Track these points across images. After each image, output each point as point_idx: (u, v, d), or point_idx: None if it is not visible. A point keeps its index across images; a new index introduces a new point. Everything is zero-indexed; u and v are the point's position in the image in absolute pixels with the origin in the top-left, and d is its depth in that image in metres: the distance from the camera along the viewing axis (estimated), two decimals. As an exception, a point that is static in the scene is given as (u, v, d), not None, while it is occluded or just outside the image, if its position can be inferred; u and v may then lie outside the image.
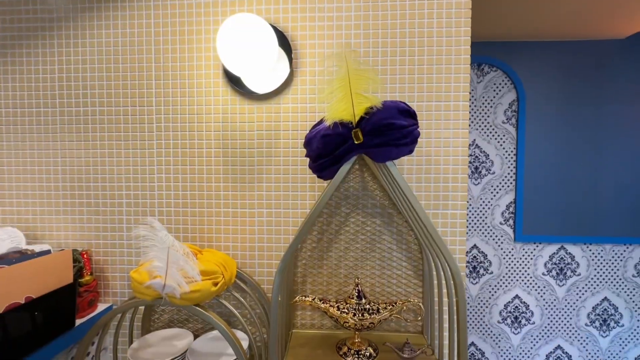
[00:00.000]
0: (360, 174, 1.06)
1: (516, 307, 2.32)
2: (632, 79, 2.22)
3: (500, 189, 2.33)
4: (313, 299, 0.94)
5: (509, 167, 2.33)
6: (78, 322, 1.00)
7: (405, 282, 1.06)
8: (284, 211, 1.08)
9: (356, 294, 0.94)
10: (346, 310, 0.91)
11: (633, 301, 2.30)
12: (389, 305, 0.93)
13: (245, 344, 0.97)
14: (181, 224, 1.10)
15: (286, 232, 1.08)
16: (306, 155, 0.83)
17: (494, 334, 2.35)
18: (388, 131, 0.66)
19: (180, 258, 0.73)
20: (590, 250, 2.27)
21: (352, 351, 0.92)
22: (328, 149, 0.71)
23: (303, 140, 0.98)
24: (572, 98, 2.26)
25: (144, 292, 0.77)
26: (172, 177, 1.10)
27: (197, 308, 0.78)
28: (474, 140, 2.34)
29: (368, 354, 0.92)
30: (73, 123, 1.12)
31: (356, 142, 0.68)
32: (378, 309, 0.92)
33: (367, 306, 0.92)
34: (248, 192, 1.09)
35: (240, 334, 1.03)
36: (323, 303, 0.94)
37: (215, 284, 0.82)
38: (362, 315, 0.90)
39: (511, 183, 2.33)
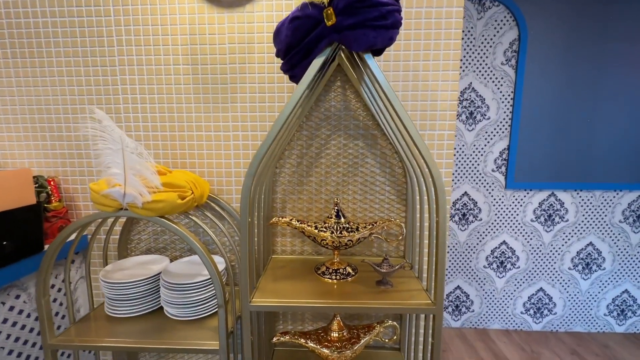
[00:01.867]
0: (342, 91, 0.98)
1: (502, 252, 2.36)
2: (641, 15, 2.06)
3: (494, 135, 2.25)
4: (291, 220, 0.89)
5: (504, 112, 2.24)
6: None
7: (388, 207, 1.02)
8: (261, 134, 1.01)
9: (335, 214, 0.90)
10: (324, 229, 0.87)
11: (617, 246, 2.34)
12: (369, 225, 0.89)
13: (221, 267, 0.94)
14: (152, 148, 1.03)
15: (264, 157, 1.02)
16: (276, 55, 0.74)
17: (480, 278, 2.41)
18: (364, 8, 0.57)
19: (137, 161, 0.66)
20: (580, 196, 2.25)
21: (331, 270, 0.90)
22: (297, 35, 0.62)
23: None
24: (576, 37, 2.11)
25: (103, 203, 0.71)
26: (139, 97, 1.01)
27: (162, 219, 0.73)
28: (470, 83, 2.22)
29: (346, 272, 0.90)
30: (27, 47, 1.00)
31: (328, 24, 0.59)
32: (357, 228, 0.88)
33: (346, 225, 0.88)
34: (222, 113, 1.00)
35: (217, 259, 1.00)
36: (301, 223, 0.90)
37: (182, 198, 0.76)
38: (341, 233, 0.86)
39: (506, 129, 2.25)
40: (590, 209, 2.26)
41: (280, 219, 0.88)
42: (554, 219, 2.29)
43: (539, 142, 2.22)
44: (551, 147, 2.21)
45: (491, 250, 2.36)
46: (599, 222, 2.29)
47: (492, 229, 2.33)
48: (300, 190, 1.03)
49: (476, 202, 2.36)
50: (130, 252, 1.08)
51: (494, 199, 2.29)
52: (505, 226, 2.31)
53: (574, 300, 2.37)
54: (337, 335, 0.91)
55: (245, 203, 0.71)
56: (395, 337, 0.93)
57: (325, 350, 0.87)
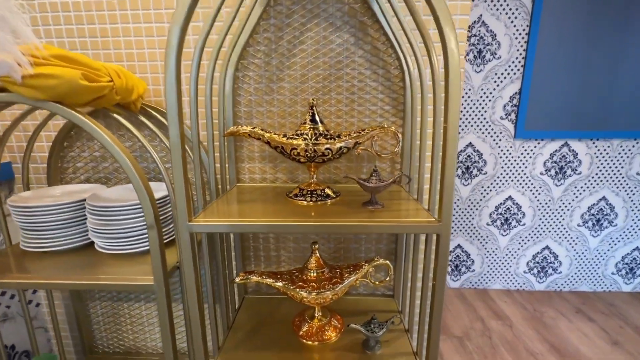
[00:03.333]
0: (321, -39, 0.73)
1: (508, 208, 2.18)
2: None
3: (504, 78, 2.00)
4: (253, 128, 0.68)
5: (517, 50, 1.97)
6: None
7: (381, 120, 0.81)
8: (218, 24, 0.77)
9: (310, 118, 0.68)
10: (295, 137, 0.67)
11: (631, 200, 2.16)
12: (355, 133, 0.68)
13: (161, 194, 0.73)
14: (64, 35, 0.79)
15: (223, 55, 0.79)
16: None
17: (482, 236, 2.25)
18: None
19: (4, 5, 0.44)
20: (596, 146, 2.04)
21: (305, 191, 0.70)
22: None
23: None
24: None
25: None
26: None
27: (60, 106, 0.52)
28: (480, 16, 1.94)
29: (325, 194, 0.70)
30: None
31: None
32: (339, 135, 0.68)
33: (325, 132, 0.68)
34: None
35: (159, 186, 0.80)
36: (267, 132, 0.69)
37: (90, 80, 0.55)
38: (317, 139, 0.66)
39: (518, 70, 1.99)
40: (606, 160, 2.05)
41: (240, 127, 0.67)
42: (565, 172, 2.08)
43: (554, 86, 1.97)
44: (568, 92, 1.97)
45: (495, 207, 2.18)
46: (615, 174, 2.09)
47: (497, 184, 2.14)
48: (270, 100, 0.81)
49: (481, 154, 2.15)
50: (64, 184, 0.88)
51: (501, 150, 2.08)
52: (512, 180, 2.12)
53: (581, 259, 2.22)
54: (315, 274, 0.73)
55: (172, 90, 0.49)
56: (387, 279, 0.74)
57: (300, 292, 0.69)
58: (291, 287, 0.70)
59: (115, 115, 0.63)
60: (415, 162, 0.74)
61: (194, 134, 0.62)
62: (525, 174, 2.10)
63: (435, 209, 0.57)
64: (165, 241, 0.71)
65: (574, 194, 2.11)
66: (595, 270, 2.23)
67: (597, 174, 2.07)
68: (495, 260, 2.26)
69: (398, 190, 0.76)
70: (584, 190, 2.10)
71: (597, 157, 2.05)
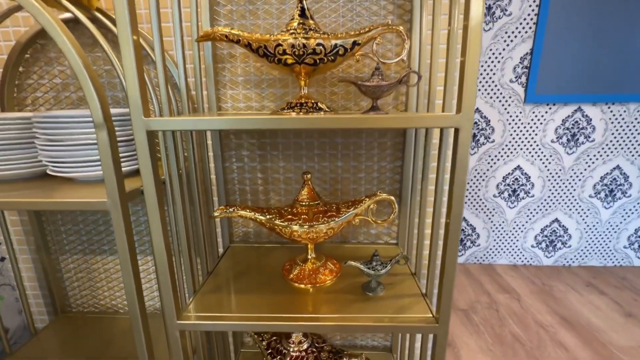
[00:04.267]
0: None
1: (516, 179, 2.07)
2: None
3: (515, 37, 1.87)
4: (232, 30, 0.57)
5: (530, 5, 1.83)
6: None
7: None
8: None
9: (298, 13, 0.57)
10: (282, 33, 0.55)
11: (647, 169, 2.05)
12: (353, 32, 0.57)
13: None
14: None
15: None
16: None
17: (488, 209, 2.15)
18: None
19: None
20: (611, 111, 1.91)
21: (294, 104, 0.59)
22: None
23: None
24: None
25: None
26: None
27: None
28: (490, -33, 1.80)
29: (317, 107, 0.59)
30: None
31: None
32: (334, 34, 0.56)
33: (316, 28, 0.56)
34: None
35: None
36: (247, 34, 0.57)
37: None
38: (307, 33, 0.54)
39: (530, 28, 1.85)
40: (621, 126, 1.93)
41: (216, 29, 0.55)
42: (578, 139, 1.96)
43: (569, 45, 1.83)
44: (582, 52, 1.83)
45: (503, 177, 2.07)
46: (630, 141, 1.97)
47: (505, 152, 2.02)
48: (254, 10, 0.69)
49: (489, 121, 2.02)
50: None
51: (510, 116, 1.96)
52: (521, 148, 2.00)
53: (592, 232, 2.11)
54: (307, 207, 0.62)
55: None
56: (392, 216, 0.64)
57: (290, 225, 0.58)
58: (279, 221, 0.59)
59: (66, 3, 0.52)
60: (425, 60, 0.62)
61: (157, 39, 0.50)
62: (535, 141, 1.98)
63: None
64: (130, 167, 0.61)
65: (586, 162, 1.99)
66: (606, 244, 2.13)
67: (611, 141, 1.95)
68: (501, 234, 2.16)
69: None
70: (596, 159, 1.99)
71: (612, 122, 1.92)
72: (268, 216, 0.60)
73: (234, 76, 0.72)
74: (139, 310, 0.53)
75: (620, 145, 1.95)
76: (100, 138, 0.44)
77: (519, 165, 2.03)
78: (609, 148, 1.96)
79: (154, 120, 0.43)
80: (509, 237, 2.16)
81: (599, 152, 1.97)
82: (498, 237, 2.17)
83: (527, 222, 2.13)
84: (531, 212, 2.11)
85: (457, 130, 0.43)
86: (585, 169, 2.00)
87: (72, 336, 0.81)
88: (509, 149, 2.01)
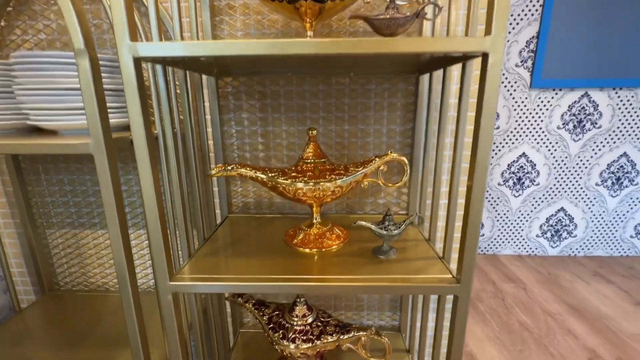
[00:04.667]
0: None
1: (521, 166, 2.02)
2: None
3: (521, 19, 1.82)
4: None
5: (536, -13, 1.79)
6: None
7: None
8: None
9: None
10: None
11: (655, 157, 2.01)
12: None
13: None
14: None
15: None
16: None
17: (493, 198, 2.10)
18: None
19: None
20: (618, 96, 1.87)
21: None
22: None
23: None
24: None
25: None
26: None
27: None
28: (496, -52, 1.76)
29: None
30: None
31: None
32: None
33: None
34: None
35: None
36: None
37: None
38: None
39: (536, 10, 1.81)
40: (628, 112, 1.88)
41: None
42: (584, 126, 1.92)
43: (576, 28, 1.79)
44: (590, 35, 1.79)
45: (508, 165, 2.02)
46: (638, 127, 1.93)
47: (510, 139, 1.98)
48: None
49: (494, 107, 1.98)
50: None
51: (516, 102, 1.91)
52: (527, 135, 1.96)
53: (598, 221, 2.07)
54: (312, 164, 0.57)
55: None
56: (405, 179, 0.59)
57: (294, 183, 0.53)
58: (282, 179, 0.54)
59: None
60: None
61: None
62: (541, 128, 1.94)
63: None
64: (120, 120, 0.56)
65: (593, 150, 1.95)
66: (612, 234, 2.09)
67: (618, 128, 1.91)
68: (506, 223, 2.12)
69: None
70: (603, 146, 1.94)
71: (619, 108, 1.88)
72: (270, 174, 0.55)
73: (233, 30, 0.67)
74: (130, 282, 0.48)
75: (627, 131, 1.91)
76: (81, 67, 0.39)
77: (524, 153, 1.98)
78: (616, 135, 1.92)
79: (142, 45, 0.38)
80: (514, 227, 2.12)
81: (605, 138, 1.93)
82: (503, 226, 2.12)
83: (532, 211, 2.08)
84: (536, 201, 2.06)
85: (485, 57, 0.38)
86: (591, 157, 1.96)
87: (58, 314, 0.75)
88: (514, 135, 1.96)
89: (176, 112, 0.54)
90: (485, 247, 2.20)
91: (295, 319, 0.63)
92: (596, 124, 1.91)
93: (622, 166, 1.97)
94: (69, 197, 0.78)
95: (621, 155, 1.95)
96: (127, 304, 0.49)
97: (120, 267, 0.47)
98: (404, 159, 0.57)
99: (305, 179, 0.54)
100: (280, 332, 0.62)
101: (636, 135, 1.91)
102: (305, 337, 0.61)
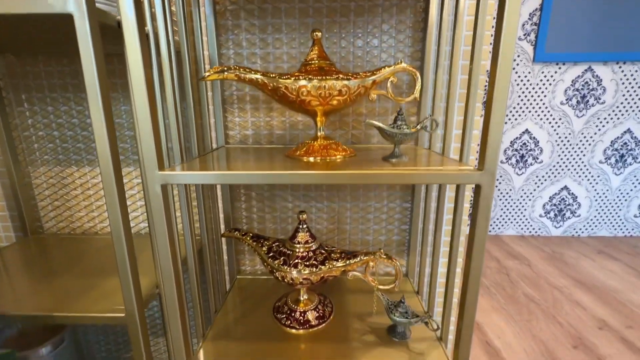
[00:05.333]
0: None
1: (524, 143, 1.99)
2: None
3: (524, -9, 1.81)
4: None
5: (539, -42, 1.77)
6: None
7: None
8: None
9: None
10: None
11: (659, 133, 1.98)
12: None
13: None
14: None
15: None
16: None
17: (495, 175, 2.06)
18: None
19: None
20: (622, 71, 1.85)
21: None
22: None
23: None
24: None
25: None
26: None
27: None
28: None
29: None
30: None
31: None
32: None
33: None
34: None
35: None
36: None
37: None
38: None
39: (539, -18, 1.79)
40: (632, 87, 1.86)
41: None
42: (588, 101, 1.90)
43: (579, 1, 1.76)
44: (594, 7, 1.76)
45: (510, 142, 1.99)
46: (642, 103, 1.91)
47: (513, 115, 1.95)
48: None
49: (496, 81, 1.95)
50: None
51: (519, 77, 1.88)
52: (530, 111, 1.93)
53: (602, 200, 2.04)
54: (316, 64, 0.52)
55: None
56: (417, 93, 0.54)
57: (299, 81, 0.49)
58: (282, 79, 0.49)
59: None
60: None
61: None
62: (544, 103, 1.91)
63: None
64: None
65: (597, 126, 1.92)
66: (616, 213, 2.05)
67: (622, 103, 1.88)
68: (509, 202, 2.08)
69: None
70: (607, 122, 1.92)
71: (622, 83, 1.86)
72: (271, 76, 0.50)
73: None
74: (122, 221, 0.42)
75: (631, 107, 1.89)
76: None
77: (527, 129, 1.95)
78: (620, 110, 1.89)
79: None
80: (517, 206, 2.08)
81: (609, 114, 1.90)
82: (505, 206, 2.09)
83: (535, 189, 2.05)
84: (539, 179, 2.03)
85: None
86: (595, 133, 1.93)
87: (39, 254, 0.70)
88: (517, 111, 1.93)
89: (170, 29, 0.49)
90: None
91: (298, 246, 0.58)
92: (600, 99, 1.88)
93: (625, 143, 1.94)
94: (53, 128, 0.73)
95: (625, 132, 1.93)
96: (117, 234, 0.44)
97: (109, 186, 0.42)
98: (414, 70, 0.52)
99: (310, 76, 0.49)
100: (281, 258, 0.57)
101: (640, 111, 1.89)
102: (308, 263, 0.56)
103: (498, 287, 1.54)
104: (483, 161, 0.40)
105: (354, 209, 0.74)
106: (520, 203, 2.07)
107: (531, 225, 2.11)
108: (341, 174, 0.41)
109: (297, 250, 0.58)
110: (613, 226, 2.08)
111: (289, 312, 0.62)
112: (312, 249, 0.58)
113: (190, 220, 0.54)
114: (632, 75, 1.84)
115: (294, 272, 0.55)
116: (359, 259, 0.57)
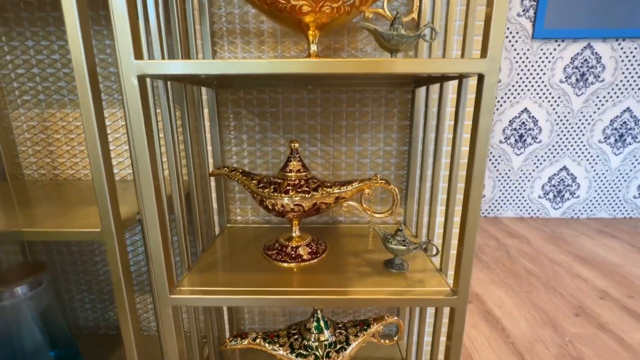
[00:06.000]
0: None
1: (523, 123, 1.97)
2: None
3: (523, -33, 1.79)
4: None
5: None
6: None
7: None
8: None
9: None
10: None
11: (658, 113, 1.97)
12: None
13: None
14: None
15: None
16: None
17: (494, 156, 2.04)
18: None
19: None
20: (621, 48, 1.83)
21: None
22: None
23: None
24: None
25: None
26: None
27: None
28: None
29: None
30: None
31: None
32: None
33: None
34: None
35: None
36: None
37: None
38: None
39: (538, -43, 1.78)
40: (632, 65, 1.84)
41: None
42: (587, 79, 1.88)
43: (578, -23, 1.75)
44: (592, -16, 1.75)
45: (509, 121, 1.97)
46: (641, 81, 1.89)
47: (512, 94, 1.92)
48: None
49: (495, 59, 1.93)
50: None
51: (517, 54, 1.86)
52: (529, 89, 1.90)
53: (601, 180, 2.02)
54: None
55: None
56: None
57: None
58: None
59: None
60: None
61: None
62: (543, 81, 1.89)
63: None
64: None
65: (596, 105, 1.91)
66: (615, 194, 2.04)
67: (621, 81, 1.87)
68: (508, 183, 2.06)
69: None
70: (606, 101, 1.90)
71: (622, 60, 1.84)
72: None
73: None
74: (102, 158, 0.39)
75: (630, 85, 1.87)
76: None
77: (526, 108, 1.93)
78: (619, 89, 1.88)
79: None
80: (515, 188, 2.06)
81: (608, 92, 1.89)
82: (504, 187, 2.06)
83: (534, 170, 2.03)
84: (538, 160, 2.01)
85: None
86: (594, 112, 1.92)
87: (16, 197, 0.66)
88: (515, 90, 1.91)
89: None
90: (486, 210, 2.13)
91: (290, 174, 0.55)
92: (599, 77, 1.86)
93: (625, 122, 1.93)
94: (34, 63, 0.69)
95: (624, 111, 1.91)
96: (96, 165, 0.41)
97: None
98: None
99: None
100: (272, 187, 0.54)
101: None
102: (300, 190, 0.53)
103: (497, 262, 1.51)
104: (486, 49, 0.37)
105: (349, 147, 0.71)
106: (519, 184, 2.05)
107: (530, 207, 2.09)
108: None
109: (289, 177, 0.55)
110: (612, 207, 2.06)
111: (279, 247, 0.58)
112: (304, 177, 0.55)
113: (175, 150, 0.51)
114: (631, 52, 1.83)
115: (285, 199, 0.52)
116: (353, 185, 0.53)
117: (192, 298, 0.46)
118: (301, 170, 0.56)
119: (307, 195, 0.52)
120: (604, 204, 2.06)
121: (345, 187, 0.54)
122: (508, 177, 2.05)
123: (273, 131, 0.70)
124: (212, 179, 0.71)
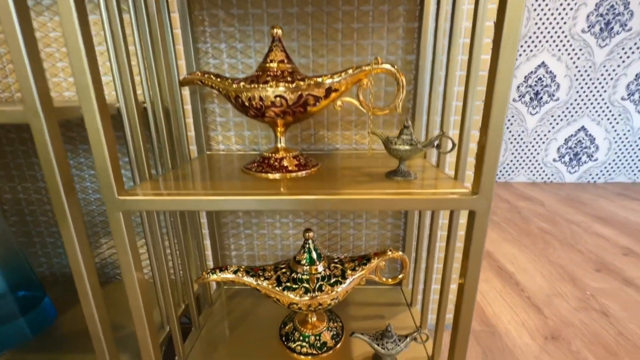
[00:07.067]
0: None
1: (539, 78, 1.82)
2: None
3: None
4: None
5: None
6: None
7: None
8: None
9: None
10: None
11: (689, 65, 1.80)
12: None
13: None
14: None
15: None
16: None
17: (507, 115, 1.91)
18: None
19: None
20: (653, -9, 1.66)
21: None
22: None
23: None
24: None
25: None
26: None
27: None
28: None
29: None
30: None
31: None
32: None
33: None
34: None
35: None
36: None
37: None
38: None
39: None
40: (663, 11, 1.68)
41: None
42: (612, 28, 1.71)
43: None
44: None
45: (525, 77, 1.82)
46: (673, 29, 1.72)
47: (529, 46, 1.77)
48: None
49: (511, 7, 1.77)
50: None
51: (536, 0, 1.70)
52: (547, 41, 1.75)
53: (622, 142, 1.89)
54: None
55: None
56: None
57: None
58: None
59: None
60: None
61: None
62: (563, 31, 1.73)
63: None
64: None
65: (620, 57, 1.75)
66: (637, 156, 1.90)
67: (651, 30, 1.70)
68: (520, 146, 1.93)
69: None
70: (632, 53, 1.74)
71: (653, 6, 1.67)
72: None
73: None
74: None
75: (660, 34, 1.70)
76: None
77: (543, 62, 1.78)
78: (648, 38, 1.71)
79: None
80: (529, 150, 1.94)
81: (635, 43, 1.72)
82: (517, 149, 1.94)
83: (549, 131, 1.89)
84: (555, 119, 1.87)
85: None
86: (618, 65, 1.76)
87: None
88: (532, 41, 1.76)
89: None
90: (496, 174, 2.02)
91: (271, 64, 0.45)
92: (626, 25, 1.70)
93: (652, 76, 1.77)
94: None
95: (652, 64, 1.75)
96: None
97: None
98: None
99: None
100: (249, 80, 0.44)
101: (670, 38, 1.71)
102: (283, 80, 0.43)
103: (509, 222, 1.41)
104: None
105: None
106: (533, 146, 1.93)
107: (544, 171, 1.97)
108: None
109: (270, 68, 0.45)
110: (633, 171, 1.93)
111: (261, 160, 0.49)
112: (288, 69, 0.45)
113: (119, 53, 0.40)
114: (664, -4, 1.65)
115: (264, 91, 0.42)
116: (348, 73, 0.43)
117: (146, 200, 0.37)
118: (285, 61, 0.45)
119: (291, 85, 0.42)
120: (624, 167, 1.93)
121: (337, 77, 0.43)
122: (521, 138, 1.92)
123: (257, 40, 0.60)
124: (189, 104, 0.62)
